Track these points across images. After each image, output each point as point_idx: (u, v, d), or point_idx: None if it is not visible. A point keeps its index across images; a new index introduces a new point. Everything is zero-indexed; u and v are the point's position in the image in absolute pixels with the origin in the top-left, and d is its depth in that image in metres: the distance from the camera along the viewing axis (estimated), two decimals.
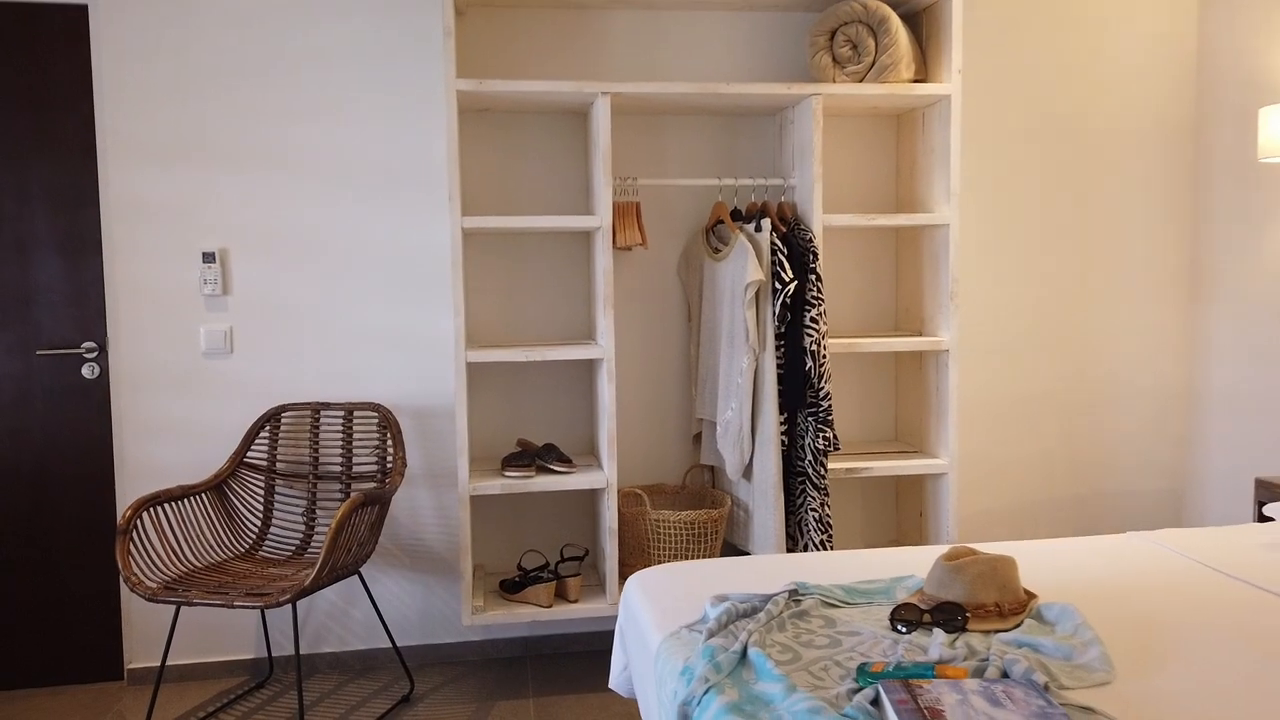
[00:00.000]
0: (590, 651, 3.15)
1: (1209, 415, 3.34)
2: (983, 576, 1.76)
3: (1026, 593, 1.82)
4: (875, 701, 1.38)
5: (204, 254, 2.94)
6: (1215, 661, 1.56)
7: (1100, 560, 2.15)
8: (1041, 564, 2.13)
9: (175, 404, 2.96)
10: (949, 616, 1.69)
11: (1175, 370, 3.43)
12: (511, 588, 2.91)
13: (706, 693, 1.45)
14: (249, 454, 2.93)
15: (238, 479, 2.91)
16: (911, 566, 2.10)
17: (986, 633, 1.67)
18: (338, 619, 3.08)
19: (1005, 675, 1.45)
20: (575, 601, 2.89)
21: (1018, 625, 1.70)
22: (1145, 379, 3.41)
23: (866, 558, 2.17)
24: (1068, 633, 1.65)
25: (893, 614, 1.71)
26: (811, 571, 2.06)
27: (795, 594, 1.85)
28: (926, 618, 1.69)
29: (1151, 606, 1.83)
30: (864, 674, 1.46)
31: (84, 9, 2.88)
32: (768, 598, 1.80)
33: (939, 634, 1.63)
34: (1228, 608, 1.82)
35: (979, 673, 1.46)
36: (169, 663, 2.97)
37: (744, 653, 1.58)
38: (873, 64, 2.86)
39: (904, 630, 1.68)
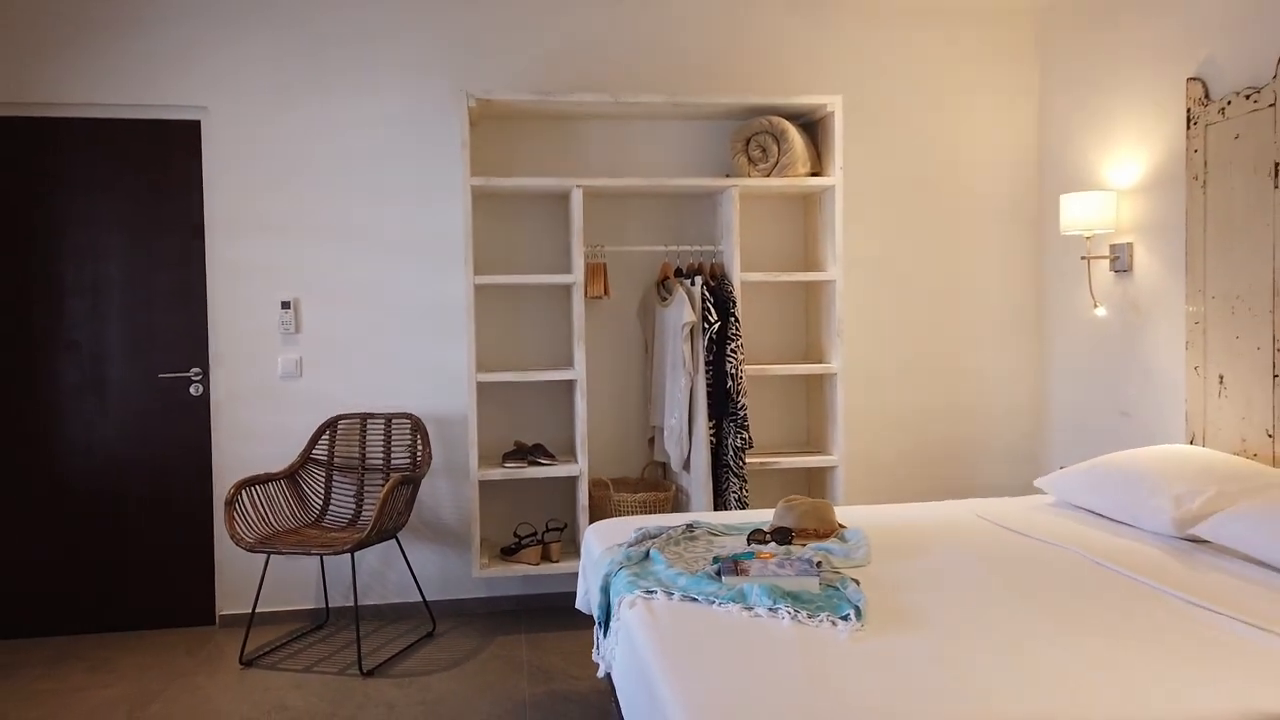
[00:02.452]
0: (568, 606, 4.10)
1: (1052, 425, 4.32)
2: (807, 512, 2.74)
3: (840, 525, 2.80)
4: (718, 573, 2.36)
5: (282, 302, 3.96)
6: (939, 558, 2.54)
7: (914, 514, 3.12)
8: (873, 515, 3.09)
9: (258, 414, 3.96)
10: (782, 536, 2.67)
11: (1025, 391, 4.41)
12: (508, 551, 3.88)
13: (618, 571, 2.43)
14: (313, 451, 3.93)
15: (305, 470, 3.90)
16: None
17: (804, 544, 2.65)
18: (377, 578, 4.05)
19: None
20: (557, 561, 3.86)
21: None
22: (1001, 398, 4.40)
23: (747, 514, 3.15)
24: (853, 543, 2.63)
25: (748, 536, 2.69)
26: (709, 520, 3.04)
27: (690, 527, 2.83)
28: (767, 537, 2.67)
29: (922, 534, 2.80)
30: (716, 559, 2.44)
31: (198, 123, 3.93)
32: (671, 528, 2.78)
33: (773, 545, 2.60)
34: (970, 534, 2.79)
35: (785, 557, 2.43)
36: (250, 609, 3.92)
37: (647, 553, 2.56)
38: (776, 163, 3.89)
39: (753, 544, 2.65)
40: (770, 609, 2.06)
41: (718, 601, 2.13)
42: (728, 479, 3.82)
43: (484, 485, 4.06)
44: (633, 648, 2.04)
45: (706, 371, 3.81)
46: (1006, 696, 1.64)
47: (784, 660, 1.81)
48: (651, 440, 4.16)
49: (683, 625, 2.03)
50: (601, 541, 2.84)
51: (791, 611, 2.03)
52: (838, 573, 2.33)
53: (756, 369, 3.93)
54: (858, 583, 2.24)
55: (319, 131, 3.96)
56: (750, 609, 2.08)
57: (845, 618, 2.00)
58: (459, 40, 4.02)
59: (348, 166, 3.98)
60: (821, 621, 2.00)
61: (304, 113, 3.94)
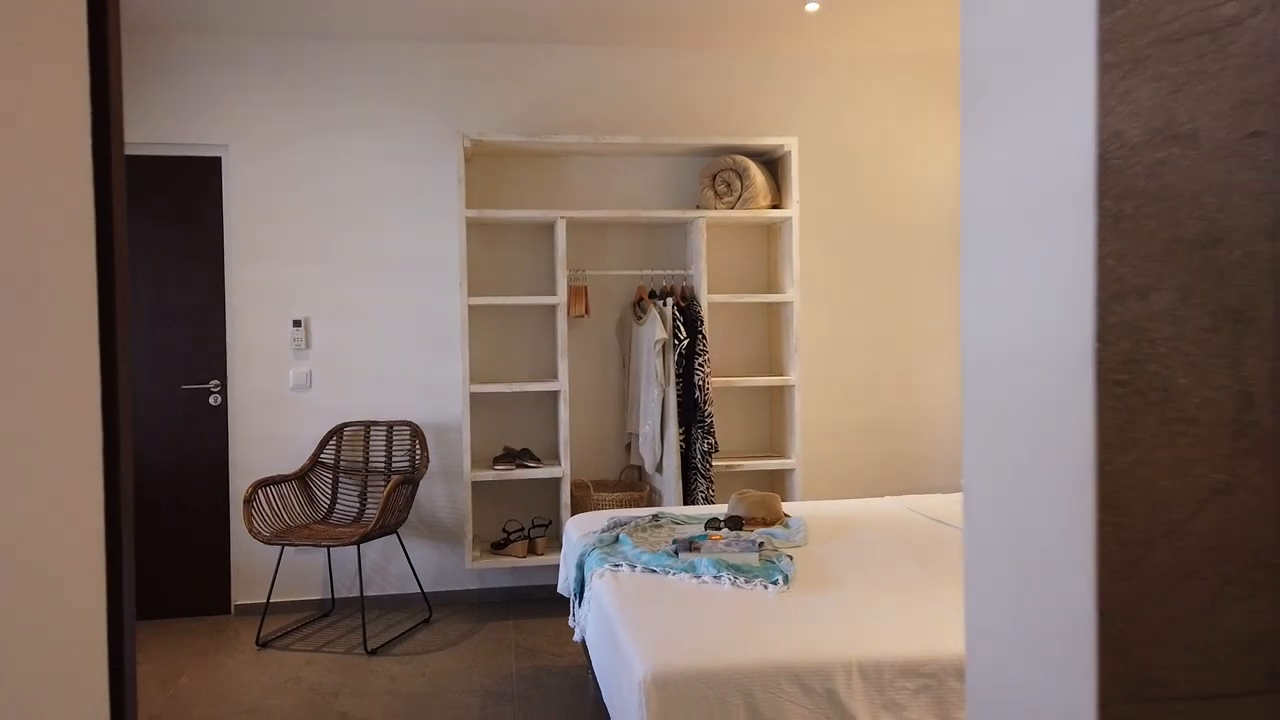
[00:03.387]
0: (552, 595, 4.51)
1: None
2: (756, 503, 3.17)
3: (785, 514, 3.23)
4: (676, 552, 2.79)
5: (294, 320, 4.38)
6: (866, 541, 2.97)
7: (852, 508, 3.55)
8: (817, 508, 3.53)
9: (271, 422, 4.38)
10: (734, 523, 3.10)
11: None
12: (498, 546, 4.30)
13: (592, 551, 2.86)
14: (322, 455, 4.34)
15: (315, 472, 4.31)
16: None
17: (752, 530, 3.08)
18: (379, 571, 4.46)
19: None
20: (542, 555, 4.28)
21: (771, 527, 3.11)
22: (944, 406, 4.85)
23: (707, 506, 3.58)
24: (794, 529, 3.06)
25: (705, 523, 3.12)
26: (674, 511, 3.47)
27: (656, 517, 3.26)
28: (721, 524, 3.10)
29: (856, 523, 3.24)
30: (675, 541, 2.87)
31: (219, 159, 4.36)
32: (639, 517, 3.21)
33: (725, 530, 3.04)
34: (897, 523, 3.23)
35: (733, 539, 2.86)
36: (262, 600, 4.32)
37: (617, 537, 2.99)
38: (740, 197, 4.34)
39: (710, 529, 3.08)
40: (715, 577, 2.49)
41: (672, 572, 2.56)
42: (696, 480, 4.25)
43: (476, 486, 4.47)
44: (601, 609, 2.46)
45: (677, 383, 4.24)
46: (892, 634, 2.07)
47: (720, 613, 2.24)
48: (628, 445, 4.59)
49: (642, 590, 2.45)
50: (579, 530, 3.27)
51: (732, 578, 2.46)
52: (776, 550, 2.76)
53: (722, 381, 4.36)
54: (791, 558, 2.67)
55: (328, 167, 4.39)
56: (698, 577, 2.51)
57: (775, 582, 2.43)
58: (455, 87, 4.47)
59: (354, 199, 4.41)
60: (756, 586, 2.43)
61: (315, 150, 4.38)
